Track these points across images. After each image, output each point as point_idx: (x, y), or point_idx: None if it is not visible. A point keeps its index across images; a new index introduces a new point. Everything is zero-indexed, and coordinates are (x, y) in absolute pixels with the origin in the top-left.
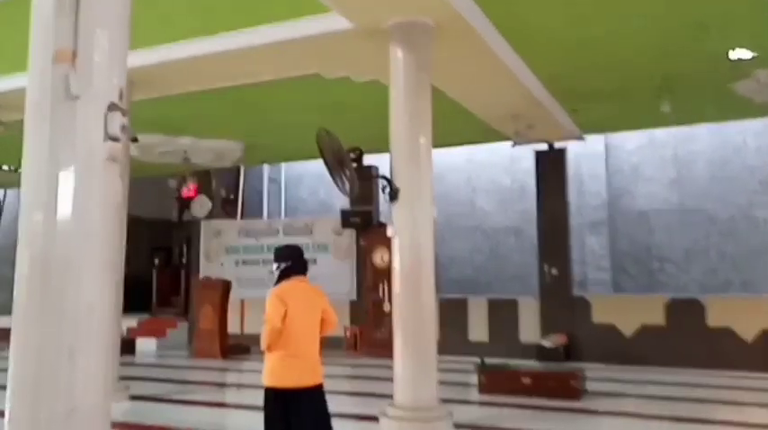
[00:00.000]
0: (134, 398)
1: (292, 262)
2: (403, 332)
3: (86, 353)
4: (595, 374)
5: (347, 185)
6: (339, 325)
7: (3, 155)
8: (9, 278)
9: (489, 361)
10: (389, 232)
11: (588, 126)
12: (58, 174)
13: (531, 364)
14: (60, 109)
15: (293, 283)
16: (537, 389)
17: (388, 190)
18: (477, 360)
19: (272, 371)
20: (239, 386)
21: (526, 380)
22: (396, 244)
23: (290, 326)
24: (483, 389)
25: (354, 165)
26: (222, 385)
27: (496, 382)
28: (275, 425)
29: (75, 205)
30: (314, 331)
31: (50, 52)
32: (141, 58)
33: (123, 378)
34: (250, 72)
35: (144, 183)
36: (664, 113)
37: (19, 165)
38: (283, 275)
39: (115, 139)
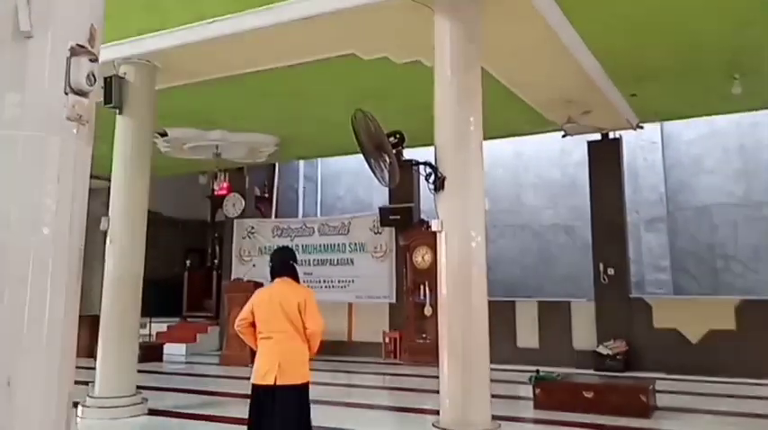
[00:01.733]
0: (152, 412)
1: (272, 264)
2: (450, 341)
3: (30, 384)
4: (661, 386)
5: (386, 174)
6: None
7: None
8: None
9: (545, 371)
10: (434, 226)
11: (646, 113)
12: None
13: (593, 376)
14: (6, 51)
15: (271, 285)
16: (601, 404)
17: (432, 178)
18: (527, 369)
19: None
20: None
21: (588, 395)
22: (441, 239)
23: (258, 326)
24: (538, 404)
25: (395, 150)
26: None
27: (554, 397)
28: (250, 419)
29: (21, 183)
30: (283, 331)
31: None
32: (163, 40)
33: (144, 388)
34: (281, 53)
35: (179, 182)
36: (733, 96)
37: None
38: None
39: (81, 93)
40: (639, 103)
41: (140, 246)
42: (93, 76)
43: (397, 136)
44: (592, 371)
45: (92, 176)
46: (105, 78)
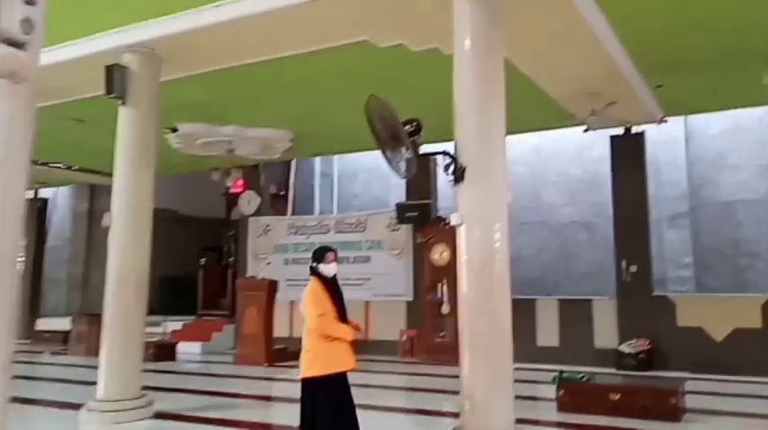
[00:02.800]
0: (159, 415)
1: None
2: (471, 341)
3: None
4: (686, 386)
5: (403, 164)
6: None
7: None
8: (62, 279)
9: (568, 372)
10: (454, 220)
11: (672, 106)
12: None
13: (618, 377)
14: None
15: None
16: (628, 407)
17: (452, 169)
18: (547, 367)
19: None
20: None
21: (615, 397)
22: (462, 234)
23: None
24: (562, 406)
25: (411, 139)
26: (264, 398)
27: (578, 399)
28: None
29: None
30: (305, 328)
31: None
32: (166, 26)
33: (154, 389)
34: (291, 39)
35: (195, 180)
36: (765, 88)
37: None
38: None
39: (14, 44)
40: (665, 96)
41: (145, 243)
42: (31, 22)
43: (414, 124)
44: (614, 371)
45: (100, 173)
46: (107, 67)
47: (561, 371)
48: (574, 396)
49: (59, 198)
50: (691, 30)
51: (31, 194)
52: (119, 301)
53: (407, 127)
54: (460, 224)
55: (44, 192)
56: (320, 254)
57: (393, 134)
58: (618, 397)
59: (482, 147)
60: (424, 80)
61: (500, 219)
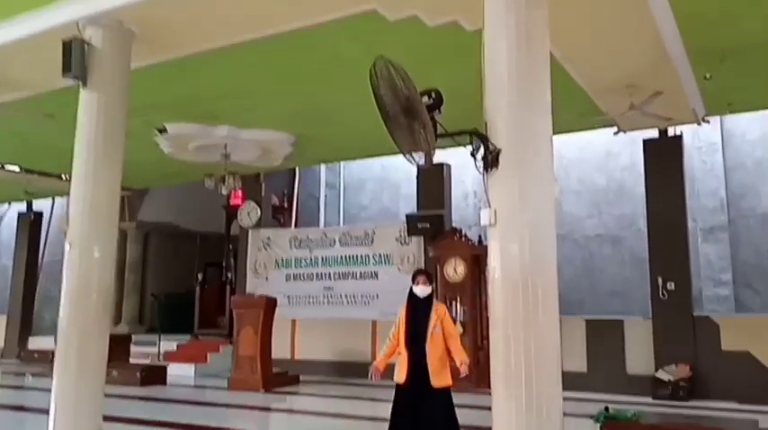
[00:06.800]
0: None
1: None
2: (508, 371)
3: None
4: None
5: (419, 147)
6: None
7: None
8: (57, 296)
9: (614, 409)
10: (484, 218)
11: (717, 102)
12: None
13: (674, 415)
14: None
15: None
16: None
17: (481, 153)
18: (573, 396)
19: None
20: None
21: None
22: (495, 236)
23: None
24: None
25: (430, 114)
26: None
27: None
28: None
29: None
30: None
31: None
32: None
33: (127, 421)
34: (289, 9)
35: (197, 193)
36: None
37: None
38: None
39: None
40: (711, 89)
41: (109, 255)
42: None
43: (433, 95)
44: (650, 400)
45: None
46: (64, 42)
47: (606, 407)
48: None
49: (56, 211)
50: (754, 7)
51: (23, 207)
52: (74, 326)
53: (425, 98)
54: (493, 224)
55: (39, 205)
56: (413, 275)
57: (406, 106)
58: None
59: (521, 125)
60: (446, 67)
61: (546, 216)
